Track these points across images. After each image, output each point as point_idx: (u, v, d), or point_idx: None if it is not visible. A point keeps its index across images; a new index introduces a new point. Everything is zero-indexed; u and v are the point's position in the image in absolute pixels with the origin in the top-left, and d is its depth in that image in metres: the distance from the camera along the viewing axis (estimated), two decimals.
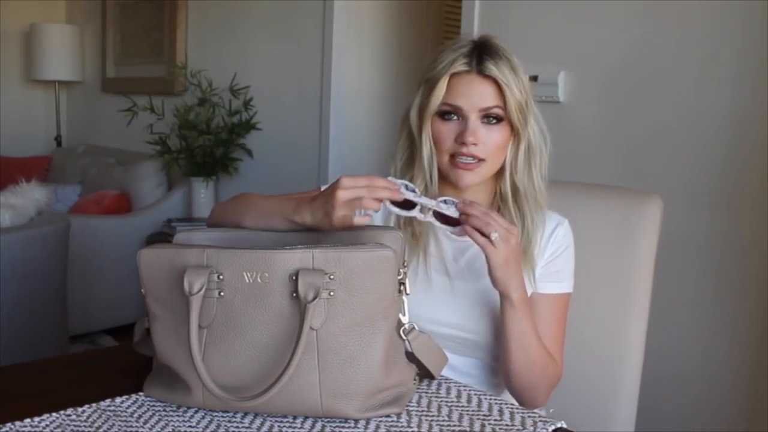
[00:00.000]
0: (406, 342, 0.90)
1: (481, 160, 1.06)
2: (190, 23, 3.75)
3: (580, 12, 2.02)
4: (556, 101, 2.07)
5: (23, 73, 4.65)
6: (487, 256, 0.97)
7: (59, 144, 4.70)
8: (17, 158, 4.33)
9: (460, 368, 1.12)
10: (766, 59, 1.64)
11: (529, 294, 1.11)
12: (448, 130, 1.07)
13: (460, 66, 1.05)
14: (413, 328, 0.90)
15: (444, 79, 1.06)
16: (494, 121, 1.06)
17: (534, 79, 2.09)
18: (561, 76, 2.06)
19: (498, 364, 1.14)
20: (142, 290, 0.85)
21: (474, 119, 1.05)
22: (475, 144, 1.05)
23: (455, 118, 1.07)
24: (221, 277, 0.80)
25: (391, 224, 1.17)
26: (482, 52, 1.06)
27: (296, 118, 3.16)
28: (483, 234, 0.95)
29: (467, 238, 1.10)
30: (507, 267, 0.98)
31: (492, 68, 1.04)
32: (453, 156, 1.07)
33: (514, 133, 1.08)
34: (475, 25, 2.28)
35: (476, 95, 1.05)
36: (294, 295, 0.79)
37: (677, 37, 1.81)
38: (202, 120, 3.35)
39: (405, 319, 0.89)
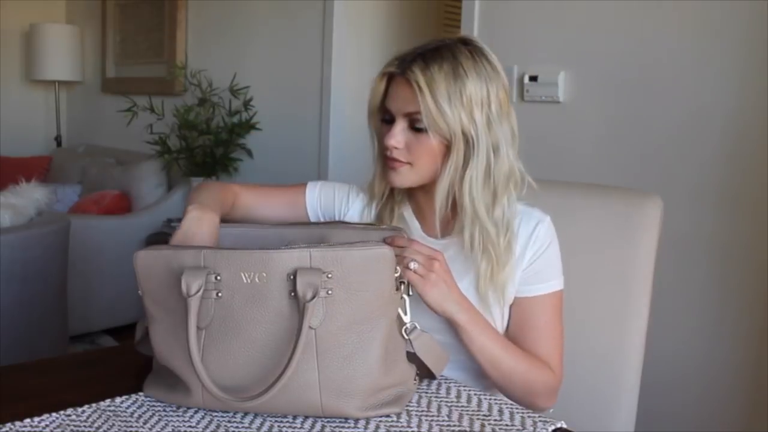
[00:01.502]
0: (408, 342, 0.90)
1: (406, 162, 1.04)
2: (190, 23, 3.75)
3: (579, 12, 2.02)
4: (556, 101, 2.07)
5: (23, 73, 4.65)
6: (413, 287, 0.95)
7: (59, 144, 4.70)
8: (17, 158, 4.33)
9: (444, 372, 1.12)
10: (766, 59, 1.64)
11: (500, 313, 1.09)
12: (385, 132, 1.06)
13: (390, 67, 1.04)
14: (415, 327, 0.90)
15: (378, 79, 1.06)
16: (420, 127, 1.01)
17: (534, 79, 2.09)
18: (561, 76, 2.06)
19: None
20: (140, 292, 0.85)
21: (401, 123, 1.03)
22: (396, 147, 1.03)
23: (391, 121, 1.06)
24: (219, 277, 0.80)
25: (365, 213, 1.17)
26: (421, 54, 1.01)
27: (296, 118, 3.16)
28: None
29: (447, 240, 1.09)
30: (437, 292, 0.96)
31: (415, 72, 0.99)
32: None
33: (445, 143, 1.02)
34: (475, 25, 2.28)
35: (400, 98, 1.03)
36: (292, 294, 0.79)
37: (677, 37, 1.81)
38: (202, 120, 3.35)
39: (407, 319, 0.89)
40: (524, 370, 1.04)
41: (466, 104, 0.99)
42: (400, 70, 1.02)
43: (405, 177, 1.05)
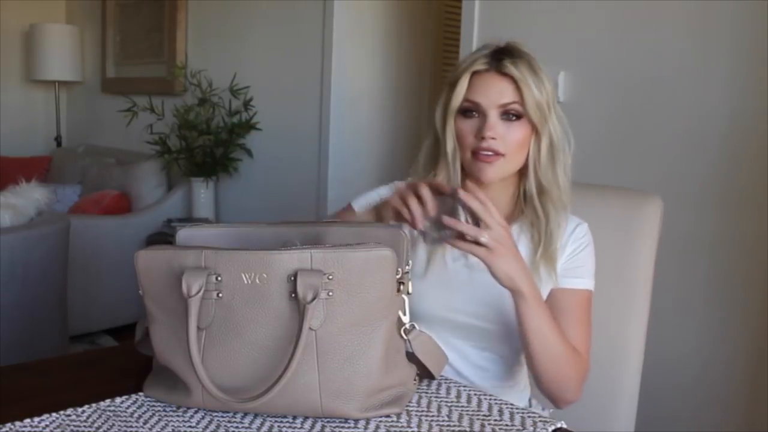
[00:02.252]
0: (407, 342, 0.90)
1: (500, 154, 1.08)
2: (190, 23, 3.75)
3: (579, 12, 2.02)
4: (556, 101, 2.07)
5: (23, 73, 4.65)
6: (480, 259, 0.97)
7: (59, 144, 4.70)
8: (17, 158, 4.33)
9: (473, 360, 1.13)
10: (765, 59, 1.64)
11: (549, 290, 1.13)
12: (470, 126, 1.10)
13: (480, 65, 1.09)
14: (414, 327, 0.90)
15: (465, 77, 1.10)
16: (513, 117, 1.08)
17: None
18: (561, 76, 2.06)
19: (516, 358, 1.17)
20: (140, 291, 0.85)
21: (493, 115, 1.08)
22: (493, 138, 1.07)
23: (476, 115, 1.10)
24: (219, 278, 0.80)
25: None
26: (502, 53, 1.09)
27: (296, 118, 3.16)
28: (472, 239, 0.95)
29: None
30: (505, 262, 0.97)
31: (510, 66, 1.07)
32: (474, 152, 1.10)
33: (535, 130, 1.10)
34: (475, 25, 2.28)
35: (494, 91, 1.08)
36: (293, 295, 0.79)
37: (677, 37, 1.81)
38: (202, 120, 3.35)
39: (406, 319, 0.89)
40: (569, 355, 1.06)
41: (544, 94, 1.09)
42: (490, 66, 1.09)
43: (499, 169, 1.10)
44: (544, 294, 1.13)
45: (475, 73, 1.10)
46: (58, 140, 4.69)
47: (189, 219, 3.41)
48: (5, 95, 4.57)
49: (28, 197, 2.44)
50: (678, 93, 1.81)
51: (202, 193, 3.40)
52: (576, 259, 1.14)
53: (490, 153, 1.08)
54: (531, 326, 1.02)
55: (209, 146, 3.32)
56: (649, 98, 1.87)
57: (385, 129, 3.22)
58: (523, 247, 1.13)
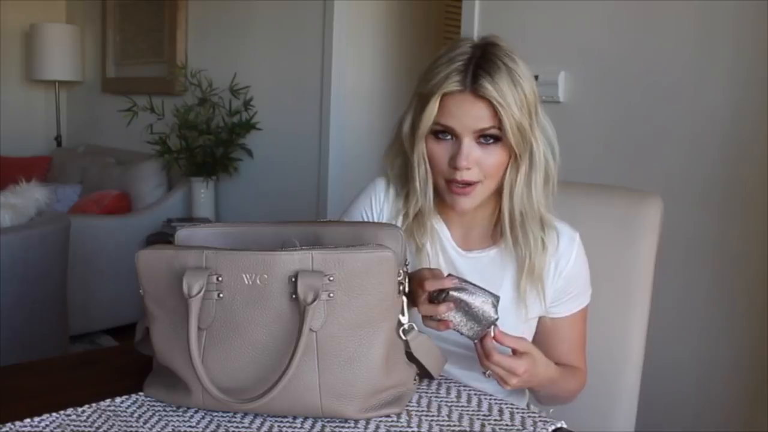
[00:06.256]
0: (405, 342, 0.90)
1: (476, 183, 1.02)
2: (190, 23, 3.75)
3: (580, 12, 2.01)
4: (556, 101, 2.07)
5: (23, 73, 4.65)
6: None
7: (59, 144, 4.70)
8: (17, 158, 4.33)
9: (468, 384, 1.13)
10: (765, 58, 1.64)
11: (538, 313, 1.12)
12: (442, 150, 1.02)
13: (452, 85, 0.98)
14: (413, 328, 0.90)
15: (435, 98, 0.99)
16: (491, 140, 1.00)
17: (534, 79, 2.09)
18: (561, 76, 2.06)
19: None
20: (141, 291, 0.85)
21: (468, 141, 1.00)
22: (468, 168, 1.00)
23: (449, 137, 1.02)
24: (220, 278, 0.80)
25: (396, 222, 1.17)
26: (479, 66, 0.98)
27: (296, 118, 3.16)
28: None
29: (481, 252, 1.11)
30: (529, 383, 1.00)
31: (487, 87, 0.96)
32: (448, 182, 1.03)
33: (513, 152, 1.02)
34: (475, 25, 2.28)
35: (470, 116, 0.98)
36: (293, 296, 0.79)
37: (677, 37, 1.81)
38: (202, 120, 3.35)
39: (404, 319, 0.89)
40: (572, 384, 1.11)
41: (525, 110, 0.99)
42: (464, 86, 0.98)
43: (474, 198, 1.04)
44: (534, 314, 1.11)
45: (447, 94, 0.99)
46: (58, 140, 4.70)
47: (189, 219, 3.41)
48: (5, 95, 4.57)
49: (28, 197, 2.44)
50: (679, 92, 1.81)
51: (202, 193, 3.41)
52: (575, 284, 1.11)
53: (464, 185, 1.01)
54: (540, 393, 1.08)
55: (209, 146, 3.32)
56: (650, 98, 1.87)
57: (385, 129, 3.20)
58: (509, 271, 1.09)
